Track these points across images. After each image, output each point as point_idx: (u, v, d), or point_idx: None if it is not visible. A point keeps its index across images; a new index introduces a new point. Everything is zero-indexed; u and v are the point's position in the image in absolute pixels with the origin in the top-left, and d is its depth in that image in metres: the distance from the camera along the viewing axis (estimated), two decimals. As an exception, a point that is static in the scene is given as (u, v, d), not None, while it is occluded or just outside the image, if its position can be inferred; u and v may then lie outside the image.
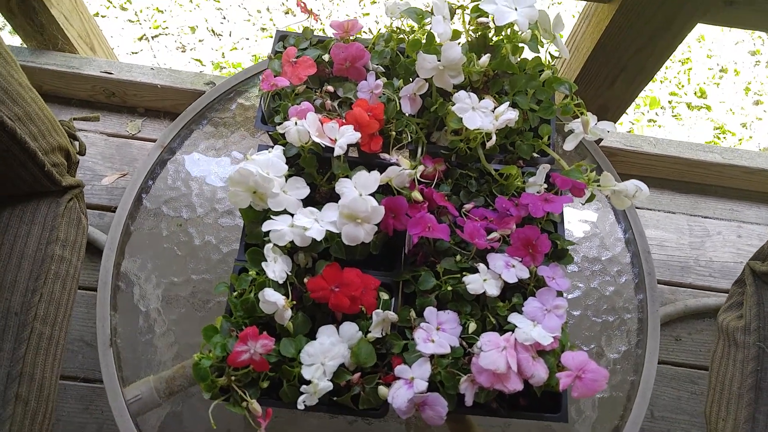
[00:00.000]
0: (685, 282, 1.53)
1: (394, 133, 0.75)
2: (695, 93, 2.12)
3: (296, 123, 0.70)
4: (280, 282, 0.64)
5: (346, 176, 0.70)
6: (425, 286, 0.67)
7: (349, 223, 0.65)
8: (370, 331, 0.64)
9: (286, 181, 0.70)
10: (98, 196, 1.55)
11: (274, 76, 0.76)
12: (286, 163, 0.72)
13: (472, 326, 0.65)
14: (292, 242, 0.66)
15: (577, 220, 0.96)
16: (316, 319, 0.67)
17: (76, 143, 1.06)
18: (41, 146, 0.88)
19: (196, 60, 2.08)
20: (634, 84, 1.16)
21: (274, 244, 0.66)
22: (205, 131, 0.96)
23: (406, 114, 0.76)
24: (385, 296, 0.68)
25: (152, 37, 2.15)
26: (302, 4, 0.80)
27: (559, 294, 0.67)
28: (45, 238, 0.92)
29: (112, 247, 0.85)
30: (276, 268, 0.65)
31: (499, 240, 0.69)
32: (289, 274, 0.66)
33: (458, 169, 0.77)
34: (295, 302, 0.65)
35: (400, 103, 0.75)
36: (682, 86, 2.12)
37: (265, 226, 0.66)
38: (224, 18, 2.16)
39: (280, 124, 0.76)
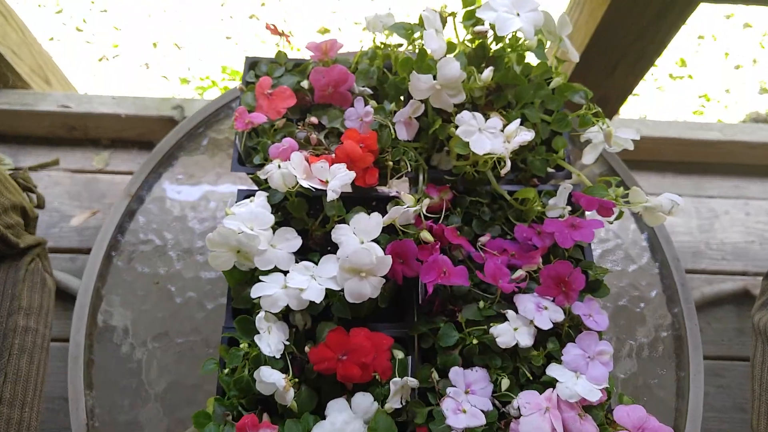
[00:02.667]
0: (698, 268, 1.47)
1: (391, 163, 0.66)
2: (675, 63, 2.07)
3: (279, 166, 0.60)
4: (278, 356, 0.55)
5: (343, 221, 0.61)
6: (447, 341, 0.58)
7: (352, 278, 0.55)
8: (388, 402, 0.55)
9: (273, 233, 0.61)
10: (68, 238, 1.45)
11: (249, 112, 0.66)
12: (272, 210, 0.62)
13: (505, 382, 0.56)
14: (287, 305, 0.56)
15: (597, 231, 0.88)
16: (322, 391, 0.58)
17: (34, 196, 0.95)
18: (-10, 209, 0.78)
19: (163, 77, 1.96)
20: (635, 71, 1.08)
21: (267, 312, 0.56)
22: (175, 173, 0.86)
23: (402, 140, 0.67)
24: (400, 355, 0.59)
25: (113, 57, 2.03)
26: (272, 27, 0.70)
27: (599, 334, 0.58)
28: (5, 309, 0.82)
29: (81, 316, 0.75)
30: (271, 340, 0.55)
31: (525, 278, 0.60)
32: (287, 343, 0.57)
33: (467, 196, 0.68)
34: (296, 378, 0.56)
35: (394, 129, 0.66)
36: (663, 57, 2.07)
37: (254, 292, 0.56)
38: (185, 30, 2.05)
39: (259, 165, 0.67)
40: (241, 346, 0.57)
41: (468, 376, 0.56)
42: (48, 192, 1.51)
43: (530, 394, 0.54)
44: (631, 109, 1.96)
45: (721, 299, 1.42)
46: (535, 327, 0.57)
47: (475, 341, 0.57)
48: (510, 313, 0.58)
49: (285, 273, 0.59)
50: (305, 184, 0.59)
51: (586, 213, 0.67)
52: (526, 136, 0.60)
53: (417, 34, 0.66)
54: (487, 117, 0.63)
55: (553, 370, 0.56)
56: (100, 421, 0.71)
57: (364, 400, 0.55)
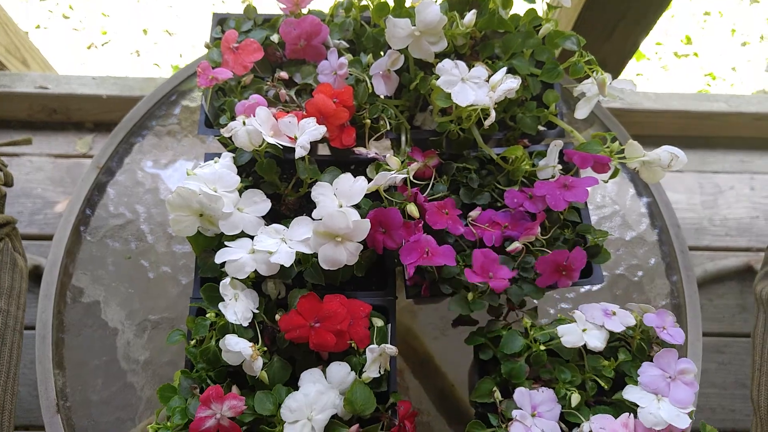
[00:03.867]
0: (701, 245, 1.42)
1: (368, 120, 0.61)
2: (681, 40, 2.00)
3: (244, 122, 0.56)
4: (245, 324, 0.51)
5: (320, 180, 0.56)
6: (512, 348, 0.53)
7: (327, 243, 0.51)
8: (365, 371, 0.50)
9: (240, 195, 0.56)
10: (52, 224, 1.41)
11: (213, 68, 0.61)
12: (240, 173, 0.58)
13: (575, 398, 0.50)
14: (256, 272, 0.52)
15: (593, 197, 0.83)
16: (296, 362, 0.54)
17: (1, 174, 0.91)
18: (-49, 184, 0.73)
19: (155, 65, 1.91)
20: (634, 34, 1.03)
21: (233, 278, 0.52)
22: (147, 143, 0.82)
23: (381, 96, 0.63)
24: (378, 322, 0.54)
25: (101, 45, 1.99)
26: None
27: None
28: (-27, 291, 0.78)
29: (48, 294, 0.71)
30: (238, 307, 0.51)
31: (522, 251, 0.56)
32: (256, 311, 0.53)
33: (453, 162, 0.63)
34: (266, 347, 0.52)
35: (371, 83, 0.61)
36: (667, 34, 2.00)
37: (219, 257, 0.52)
38: (176, 16, 1.99)
39: (226, 125, 0.62)
40: (208, 315, 0.53)
41: (534, 397, 0.51)
42: (30, 178, 1.46)
43: (604, 418, 0.48)
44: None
45: (724, 276, 1.38)
46: (607, 330, 0.52)
47: (542, 347, 0.52)
48: (578, 313, 0.52)
49: (253, 238, 0.55)
50: (272, 141, 0.55)
51: (581, 172, 0.63)
52: (512, 83, 0.55)
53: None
54: (471, 66, 0.58)
55: (630, 393, 0.49)
56: (72, 400, 0.68)
57: (339, 370, 0.51)
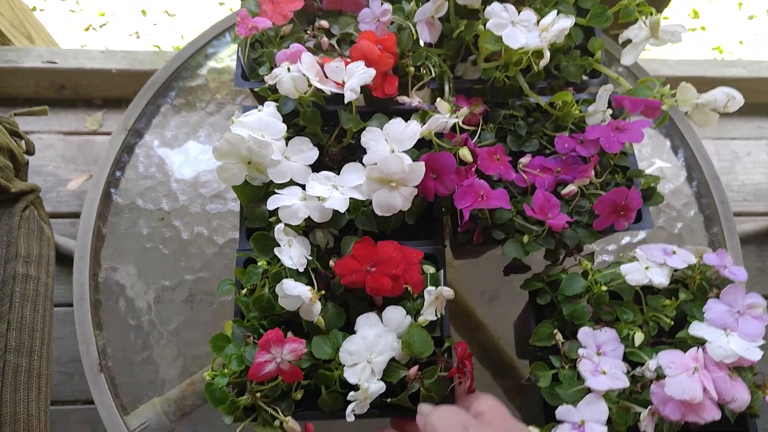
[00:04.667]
0: (719, 210, 1.42)
1: (412, 68, 0.60)
2: (688, 14, 1.99)
3: (289, 69, 0.54)
4: (301, 270, 0.50)
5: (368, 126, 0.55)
6: (573, 289, 0.52)
7: (382, 188, 0.50)
8: (422, 314, 0.50)
9: (286, 144, 0.55)
10: (66, 203, 1.39)
11: (252, 18, 0.60)
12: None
13: (639, 337, 0.50)
14: (307, 220, 0.51)
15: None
16: (350, 308, 0.53)
17: (22, 142, 0.89)
18: (-24, 149, 0.72)
19: (155, 46, 1.88)
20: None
21: (285, 225, 0.51)
22: (174, 105, 0.80)
23: (423, 44, 0.61)
24: (431, 269, 0.54)
25: (100, 26, 1.95)
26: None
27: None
28: (2, 256, 0.77)
29: (83, 256, 0.70)
30: (293, 253, 0.50)
31: (577, 194, 0.55)
32: (310, 258, 0.52)
33: (500, 109, 0.62)
34: (323, 291, 0.51)
35: (415, 30, 0.60)
36: (674, 9, 1.99)
37: (271, 203, 0.51)
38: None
39: (266, 76, 0.61)
40: (260, 264, 0.52)
41: (598, 337, 0.50)
42: (41, 156, 1.44)
43: (673, 353, 0.47)
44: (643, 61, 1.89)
45: (742, 240, 1.38)
46: (669, 267, 0.51)
47: (604, 288, 0.52)
48: (639, 252, 0.52)
49: (303, 186, 0.53)
50: (320, 86, 0.53)
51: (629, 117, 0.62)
52: (565, 22, 0.53)
53: None
54: (519, 11, 0.57)
55: (697, 329, 0.49)
56: (114, 360, 0.67)
57: (396, 314, 0.50)
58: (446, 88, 0.62)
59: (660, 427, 0.48)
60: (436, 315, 0.50)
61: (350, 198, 0.51)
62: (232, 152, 0.51)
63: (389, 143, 0.52)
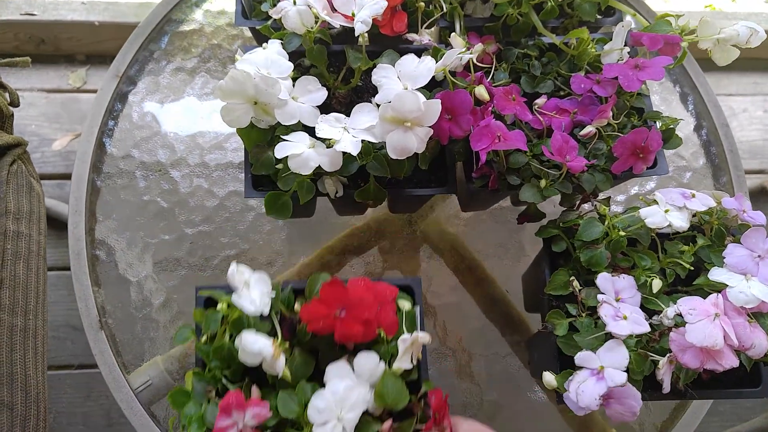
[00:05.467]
0: (712, 167, 1.42)
1: (422, 3, 0.57)
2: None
3: (295, 2, 0.51)
4: (265, 312, 0.45)
5: (379, 64, 0.52)
6: (591, 234, 0.50)
7: (396, 129, 0.47)
8: (397, 362, 0.45)
9: (293, 85, 0.52)
10: (52, 163, 1.35)
11: (253, -53, 0.56)
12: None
13: (656, 284, 0.49)
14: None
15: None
16: (319, 353, 0.48)
17: (6, 94, 0.85)
18: (-42, 97, 0.68)
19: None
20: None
21: (238, 264, 0.45)
22: (168, 50, 0.76)
23: (432, -21, 0.58)
24: (406, 306, 0.48)
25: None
26: None
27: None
28: (-8, 213, 0.74)
29: (78, 209, 0.67)
30: (253, 295, 0.45)
31: (595, 135, 0.53)
32: (272, 295, 0.47)
33: (513, 48, 0.59)
34: (287, 341, 0.46)
35: (426, -37, 0.57)
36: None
37: (279, 151, 0.48)
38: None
39: (266, 16, 0.57)
40: (219, 307, 0.46)
41: (616, 283, 0.49)
42: (23, 115, 1.39)
43: (693, 300, 0.46)
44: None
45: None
46: (689, 210, 0.50)
47: (622, 233, 0.50)
48: (658, 195, 0.50)
49: (310, 130, 0.51)
50: (329, 19, 0.50)
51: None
52: (587, -49, 0.51)
53: None
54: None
55: (717, 274, 0.48)
56: (113, 317, 0.65)
57: (368, 360, 0.45)
58: (457, 26, 0.59)
59: (677, 374, 0.48)
60: (412, 362, 0.45)
61: (362, 141, 0.49)
62: (238, 91, 0.48)
63: (402, 80, 0.49)
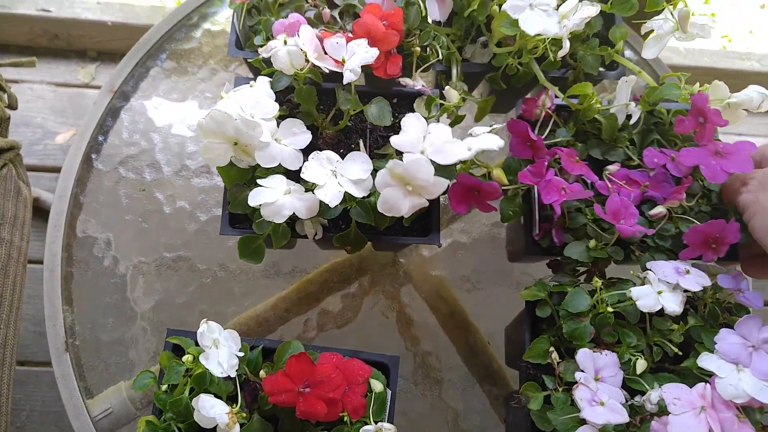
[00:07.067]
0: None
1: (418, 48, 0.55)
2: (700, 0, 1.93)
3: (286, 42, 0.49)
4: (232, 374, 0.44)
5: (362, 113, 0.50)
6: (577, 306, 0.48)
7: (396, 187, 0.45)
8: None
9: (277, 125, 0.51)
10: (53, 156, 1.35)
11: (249, -21, 0.55)
12: (275, 100, 0.52)
13: (641, 365, 0.46)
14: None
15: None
16: (278, 421, 0.46)
17: (5, 96, 0.84)
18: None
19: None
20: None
21: (207, 323, 0.45)
22: (165, 68, 0.75)
23: (432, 22, 0.56)
24: (378, 387, 0.46)
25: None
26: None
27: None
28: (-26, 218, 0.73)
29: (57, 225, 0.66)
30: (221, 355, 0.44)
31: (665, 217, 0.51)
32: (240, 354, 0.45)
33: (510, 95, 0.58)
34: (246, 404, 0.45)
35: (424, 6, 0.55)
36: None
37: (253, 199, 0.46)
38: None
39: (261, 46, 0.56)
40: (185, 358, 0.45)
41: (597, 360, 0.46)
42: (30, 106, 1.39)
43: (678, 388, 0.43)
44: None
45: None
46: (684, 292, 0.47)
47: (609, 309, 0.47)
48: (651, 274, 0.48)
49: (290, 177, 0.49)
50: (318, 63, 0.49)
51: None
52: (591, 10, 0.49)
53: None
54: (538, -8, 0.52)
55: (707, 362, 0.45)
56: (81, 339, 0.64)
57: None
58: (454, 71, 0.58)
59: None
60: None
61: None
62: (218, 131, 0.47)
63: (426, 143, 0.46)
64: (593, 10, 0.49)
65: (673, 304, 0.46)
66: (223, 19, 0.78)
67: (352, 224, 0.51)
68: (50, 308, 0.63)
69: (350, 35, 0.52)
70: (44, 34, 1.36)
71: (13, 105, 0.86)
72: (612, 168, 0.53)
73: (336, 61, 0.50)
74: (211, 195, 0.70)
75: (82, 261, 0.67)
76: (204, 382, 0.44)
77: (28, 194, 0.82)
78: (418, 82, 0.56)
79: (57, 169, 1.32)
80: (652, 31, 0.56)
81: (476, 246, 0.71)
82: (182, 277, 0.67)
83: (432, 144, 0.46)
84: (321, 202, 0.47)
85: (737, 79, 1.42)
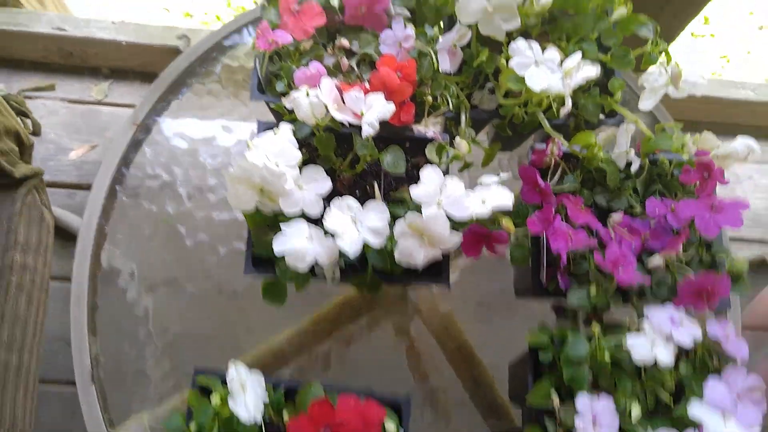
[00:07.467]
0: (715, 234, 1.42)
1: (430, 98, 0.59)
2: (699, 20, 1.98)
3: (308, 94, 0.53)
4: (258, 418, 0.47)
5: (378, 162, 0.54)
6: (576, 351, 0.51)
7: (413, 238, 0.49)
8: None
9: (300, 171, 0.54)
10: (66, 172, 1.38)
11: (272, 30, 0.58)
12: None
13: (636, 411, 0.49)
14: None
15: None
16: None
17: (29, 122, 0.88)
18: (-20, 132, 0.71)
19: (165, 9, 1.84)
20: (688, 11, 0.99)
21: (236, 366, 0.48)
22: (186, 102, 0.78)
23: (443, 72, 0.60)
24: (391, 428, 0.49)
25: (111, -14, 1.91)
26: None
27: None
28: (0, 245, 0.76)
29: (84, 256, 0.69)
30: (248, 399, 0.47)
31: (662, 267, 0.54)
32: (266, 401, 0.49)
33: (514, 135, 0.61)
34: None
35: (436, 58, 0.59)
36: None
37: (277, 246, 0.50)
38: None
39: (283, 94, 0.60)
40: (213, 402, 0.49)
41: (595, 406, 0.49)
42: (44, 122, 1.42)
43: None
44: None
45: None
46: (675, 344, 0.50)
47: (607, 358, 0.50)
48: (647, 326, 0.51)
49: (311, 220, 0.52)
50: (338, 116, 0.52)
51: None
52: (591, 71, 0.52)
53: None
54: (543, 48, 0.55)
55: (696, 410, 0.48)
56: (105, 370, 0.66)
57: None
58: (462, 118, 0.61)
59: None
60: None
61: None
62: (245, 179, 0.51)
63: (442, 194, 0.50)
64: (594, 70, 0.53)
65: (666, 356, 0.49)
66: (242, 55, 0.81)
67: (368, 269, 0.54)
68: (77, 338, 0.66)
69: (367, 85, 0.56)
70: (59, 52, 1.39)
71: (37, 132, 0.89)
72: (615, 217, 0.56)
73: (355, 114, 0.53)
74: (231, 228, 0.73)
75: (107, 292, 0.70)
76: (232, 427, 0.47)
77: (50, 219, 0.86)
78: (429, 129, 0.60)
79: (70, 186, 1.35)
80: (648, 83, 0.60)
81: (484, 280, 0.74)
82: (202, 308, 0.70)
83: (448, 197, 0.50)
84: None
85: (734, 108, 1.46)
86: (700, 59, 1.89)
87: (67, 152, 1.40)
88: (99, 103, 1.44)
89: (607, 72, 0.65)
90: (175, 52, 1.38)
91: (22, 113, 0.86)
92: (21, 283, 0.75)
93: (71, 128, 1.42)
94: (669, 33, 1.07)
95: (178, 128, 0.78)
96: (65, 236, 1.25)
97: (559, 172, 0.59)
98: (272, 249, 0.53)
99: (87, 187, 1.36)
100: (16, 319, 0.72)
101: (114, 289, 0.70)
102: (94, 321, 0.68)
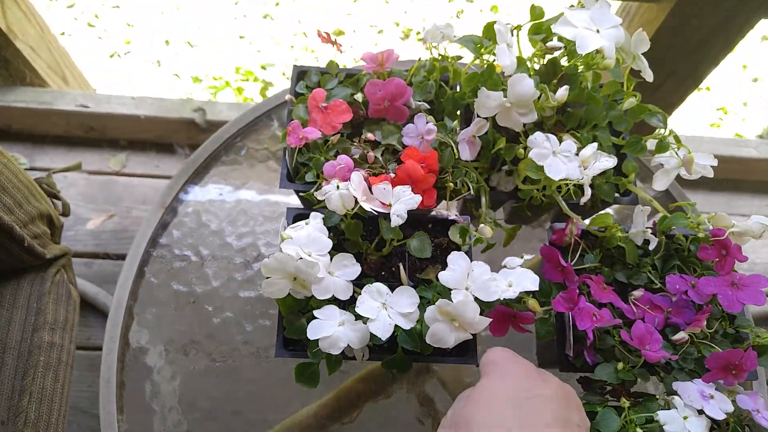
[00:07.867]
0: (728, 290, 1.43)
1: (452, 185, 0.62)
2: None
3: (338, 186, 0.56)
4: None
5: (403, 245, 0.56)
6: (608, 427, 0.52)
7: (444, 323, 0.51)
8: None
9: (330, 258, 0.56)
10: (83, 242, 1.41)
11: (302, 128, 0.62)
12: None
13: None
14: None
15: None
16: None
17: (59, 203, 0.91)
18: (19, 218, 0.74)
19: (175, 75, 1.92)
20: (683, 87, 1.04)
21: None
22: (210, 185, 0.82)
23: (463, 160, 0.63)
24: None
25: (124, 54, 2.00)
26: (324, 35, 0.66)
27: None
28: (30, 324, 0.78)
29: (113, 336, 0.71)
30: None
31: (687, 342, 0.56)
32: None
33: (531, 217, 0.64)
34: None
35: (457, 148, 0.62)
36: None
37: (312, 333, 0.51)
38: (198, 27, 2.02)
39: (311, 183, 0.63)
40: None
41: None
42: (63, 194, 1.46)
43: None
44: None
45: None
46: (707, 418, 0.51)
47: (639, 431, 0.51)
48: (677, 399, 0.52)
49: (341, 304, 0.55)
50: (367, 207, 0.55)
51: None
52: (608, 162, 0.55)
53: (484, 48, 0.62)
54: (560, 139, 0.59)
55: None
56: (133, 449, 0.67)
57: None
58: (483, 200, 0.64)
59: None
60: None
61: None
62: (280, 269, 0.53)
63: (470, 280, 0.52)
64: (612, 162, 0.56)
65: (699, 429, 0.50)
66: (266, 138, 0.85)
67: (398, 350, 0.56)
68: (106, 417, 0.67)
69: (392, 175, 0.59)
70: (81, 126, 1.44)
71: (66, 213, 0.92)
72: (637, 294, 0.59)
73: (383, 204, 0.56)
74: (256, 306, 0.75)
75: (134, 370, 0.71)
76: None
77: (77, 297, 0.88)
78: (451, 212, 0.63)
79: (88, 255, 1.38)
80: (660, 165, 0.63)
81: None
82: (230, 385, 0.71)
83: (475, 281, 0.52)
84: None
85: (736, 164, 1.50)
86: (697, 112, 1.95)
87: (84, 222, 1.44)
88: (116, 173, 1.49)
89: (621, 153, 0.68)
90: (190, 123, 1.44)
91: (53, 195, 0.89)
92: (48, 362, 0.76)
93: (88, 198, 1.46)
94: (672, 103, 1.12)
95: (205, 210, 0.81)
96: (82, 305, 1.26)
97: (579, 250, 0.61)
98: (304, 332, 0.55)
99: (104, 256, 1.39)
100: (43, 397, 0.73)
101: (142, 368, 0.72)
102: (121, 399, 0.69)
